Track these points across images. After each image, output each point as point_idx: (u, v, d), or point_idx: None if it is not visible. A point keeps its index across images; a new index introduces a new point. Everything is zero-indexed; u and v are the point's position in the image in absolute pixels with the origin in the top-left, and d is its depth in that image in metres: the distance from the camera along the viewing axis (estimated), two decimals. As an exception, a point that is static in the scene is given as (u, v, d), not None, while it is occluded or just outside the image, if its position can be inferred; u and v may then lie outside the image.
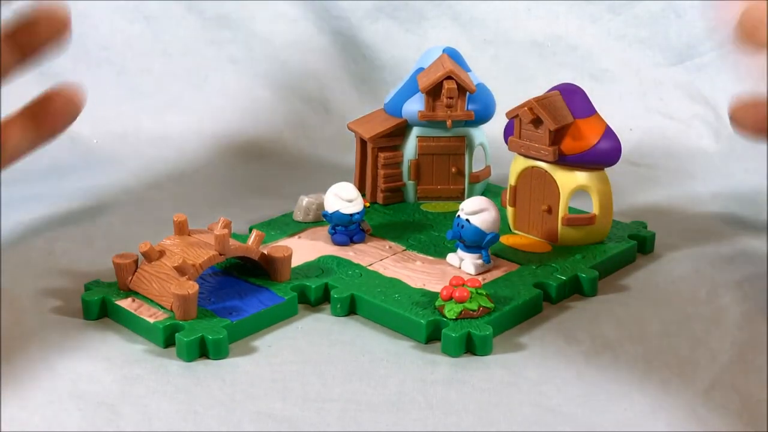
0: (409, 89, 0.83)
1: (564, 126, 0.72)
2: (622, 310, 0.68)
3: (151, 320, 0.63)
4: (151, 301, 0.65)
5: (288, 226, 0.79)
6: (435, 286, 0.67)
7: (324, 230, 0.78)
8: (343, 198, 0.75)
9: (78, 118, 0.69)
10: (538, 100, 0.72)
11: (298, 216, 0.80)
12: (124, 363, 0.61)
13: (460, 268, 0.71)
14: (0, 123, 0.67)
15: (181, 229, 0.68)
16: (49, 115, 0.69)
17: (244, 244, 0.67)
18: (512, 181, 0.77)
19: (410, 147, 0.83)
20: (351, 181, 0.81)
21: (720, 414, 0.55)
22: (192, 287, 0.63)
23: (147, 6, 1.11)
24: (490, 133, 0.86)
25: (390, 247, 0.75)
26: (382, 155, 0.83)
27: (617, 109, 1.06)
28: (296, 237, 0.78)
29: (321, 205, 0.78)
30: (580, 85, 0.75)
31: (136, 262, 0.67)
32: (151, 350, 0.62)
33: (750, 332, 0.64)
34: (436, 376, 0.59)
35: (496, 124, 0.81)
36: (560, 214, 0.74)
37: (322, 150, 1.05)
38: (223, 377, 0.59)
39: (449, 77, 0.79)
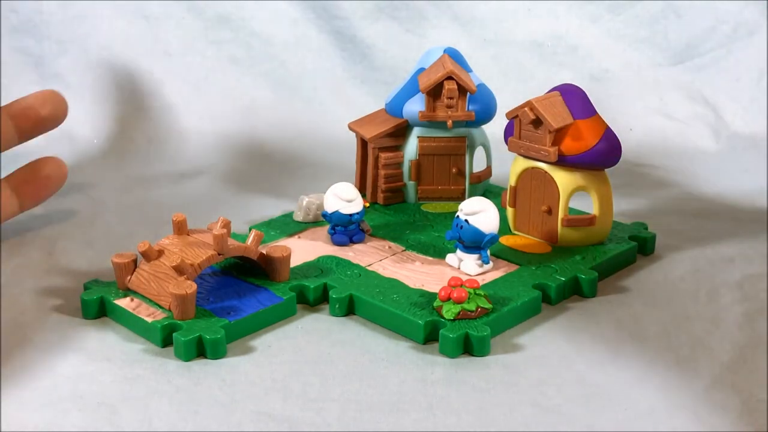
0: (409, 89, 0.83)
1: (564, 127, 0.72)
2: (622, 311, 0.68)
3: (150, 320, 0.63)
4: (150, 300, 0.65)
5: (288, 226, 0.79)
6: (433, 287, 0.67)
7: (324, 230, 0.78)
8: (343, 198, 0.75)
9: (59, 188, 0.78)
10: (538, 100, 0.72)
11: (298, 216, 0.80)
12: (124, 363, 0.61)
13: (459, 268, 0.71)
14: None
15: (180, 228, 0.68)
16: (40, 184, 0.77)
17: (243, 243, 0.67)
18: (512, 181, 0.77)
19: (411, 147, 0.83)
20: (351, 182, 0.81)
21: (720, 414, 0.55)
22: (190, 287, 0.63)
23: (147, 6, 1.12)
24: (490, 134, 0.86)
25: (390, 248, 0.75)
26: (382, 155, 0.83)
27: (617, 109, 1.06)
28: (296, 237, 0.78)
29: (321, 205, 0.78)
30: (580, 85, 0.75)
31: (135, 261, 0.67)
32: (150, 350, 0.62)
33: (750, 332, 0.64)
34: (436, 376, 0.59)
35: (497, 124, 0.81)
36: (560, 215, 0.74)
37: (322, 150, 1.05)
38: (223, 377, 0.59)
39: (450, 77, 0.79)
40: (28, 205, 0.78)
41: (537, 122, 0.72)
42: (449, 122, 0.80)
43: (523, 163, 0.75)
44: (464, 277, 0.66)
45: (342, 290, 0.67)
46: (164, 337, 0.62)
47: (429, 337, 0.63)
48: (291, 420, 0.55)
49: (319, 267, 0.71)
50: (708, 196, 0.91)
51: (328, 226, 0.76)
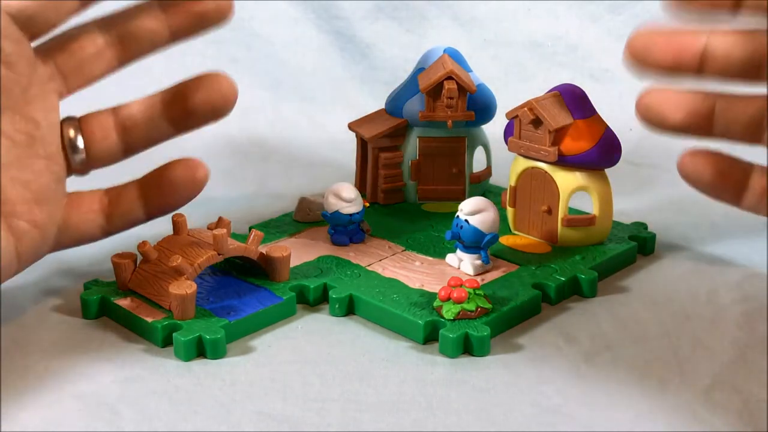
0: (409, 89, 0.83)
1: (564, 126, 0.72)
2: (622, 311, 0.68)
3: (150, 320, 0.63)
4: (150, 300, 0.65)
5: (288, 226, 0.79)
6: (433, 287, 0.67)
7: (323, 230, 0.78)
8: (343, 198, 0.75)
9: (194, 197, 0.66)
10: (538, 100, 0.72)
11: (298, 216, 0.80)
12: (124, 363, 0.61)
13: (459, 268, 0.71)
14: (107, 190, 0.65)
15: (180, 228, 0.68)
16: (167, 190, 0.65)
17: (243, 243, 0.67)
18: (512, 181, 0.77)
19: (411, 147, 0.83)
20: (351, 181, 0.81)
21: (720, 414, 0.55)
22: (190, 287, 0.63)
23: (147, 6, 1.11)
24: (490, 134, 0.86)
25: (389, 248, 0.75)
26: (382, 155, 0.83)
27: (617, 109, 1.06)
28: (296, 237, 0.78)
29: (321, 205, 0.78)
30: (580, 85, 0.75)
31: (135, 261, 0.67)
32: (150, 350, 0.62)
33: (750, 332, 0.64)
34: (436, 376, 0.59)
35: (497, 124, 0.81)
36: (560, 215, 0.74)
37: (322, 150, 1.05)
38: (223, 377, 0.59)
39: (450, 77, 0.79)
40: (154, 213, 0.66)
41: (537, 122, 0.72)
42: (449, 122, 0.80)
43: (523, 163, 0.75)
44: (464, 277, 0.66)
45: (342, 290, 0.67)
46: (164, 337, 0.62)
47: (429, 337, 0.63)
48: (291, 420, 0.55)
49: (319, 267, 0.71)
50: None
51: (328, 226, 0.76)
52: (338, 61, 1.13)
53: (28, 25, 0.57)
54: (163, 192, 0.65)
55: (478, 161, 0.85)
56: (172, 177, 0.65)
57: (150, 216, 0.67)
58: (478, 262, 0.70)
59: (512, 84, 1.09)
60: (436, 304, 0.64)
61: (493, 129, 0.85)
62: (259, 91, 1.12)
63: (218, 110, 0.64)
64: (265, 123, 1.10)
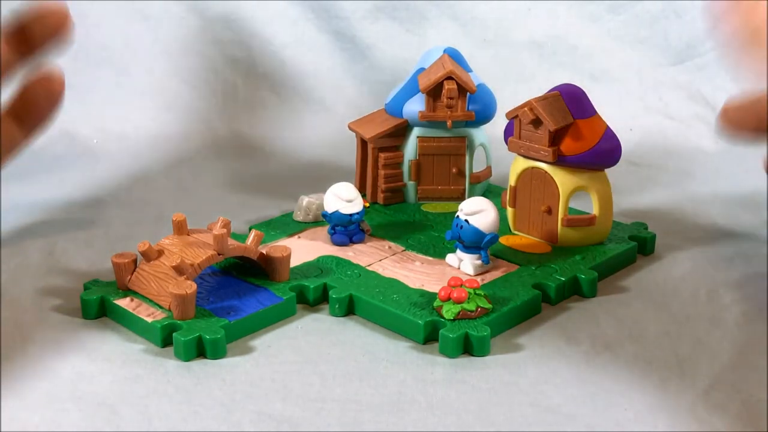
0: (409, 89, 0.83)
1: (564, 126, 0.72)
2: (622, 311, 0.68)
3: (149, 320, 0.63)
4: (150, 300, 0.65)
5: (288, 226, 0.79)
6: (433, 287, 0.67)
7: (324, 230, 0.78)
8: (343, 198, 0.75)
9: (61, 104, 0.66)
10: (538, 100, 0.72)
11: (298, 216, 0.80)
12: (124, 363, 0.61)
13: (459, 268, 0.71)
14: None
15: (180, 228, 0.68)
16: (34, 108, 0.65)
17: (243, 243, 0.67)
18: (512, 181, 0.77)
19: (411, 147, 0.83)
20: (351, 181, 0.81)
21: (720, 414, 0.55)
22: (190, 287, 0.63)
23: (147, 6, 1.12)
24: (490, 134, 0.86)
25: (390, 248, 0.75)
26: (382, 155, 0.83)
27: (617, 109, 1.06)
28: (296, 237, 0.78)
29: (321, 205, 0.78)
30: (580, 85, 0.75)
31: (135, 261, 0.67)
32: (150, 350, 0.62)
33: (750, 332, 0.64)
34: (435, 376, 0.59)
35: (497, 124, 0.81)
36: (560, 215, 0.74)
37: (322, 150, 1.05)
38: (223, 377, 0.59)
39: (450, 78, 0.79)
40: (31, 133, 0.66)
41: (537, 122, 0.72)
42: (449, 122, 0.80)
43: (523, 163, 0.75)
44: (464, 277, 0.66)
45: (342, 290, 0.67)
46: (164, 337, 0.62)
47: (429, 337, 0.63)
48: (291, 420, 0.55)
49: (319, 267, 0.71)
50: (708, 195, 0.91)
51: (328, 226, 0.76)
52: (338, 61, 1.13)
53: None
54: (35, 112, 0.65)
55: (478, 161, 0.85)
56: (36, 95, 0.65)
57: (27, 140, 0.67)
58: (478, 262, 0.70)
59: (512, 84, 1.09)
60: (436, 304, 0.64)
61: (493, 129, 0.85)
62: (259, 91, 1.12)
63: (63, 31, 0.65)
64: (265, 123, 1.10)
